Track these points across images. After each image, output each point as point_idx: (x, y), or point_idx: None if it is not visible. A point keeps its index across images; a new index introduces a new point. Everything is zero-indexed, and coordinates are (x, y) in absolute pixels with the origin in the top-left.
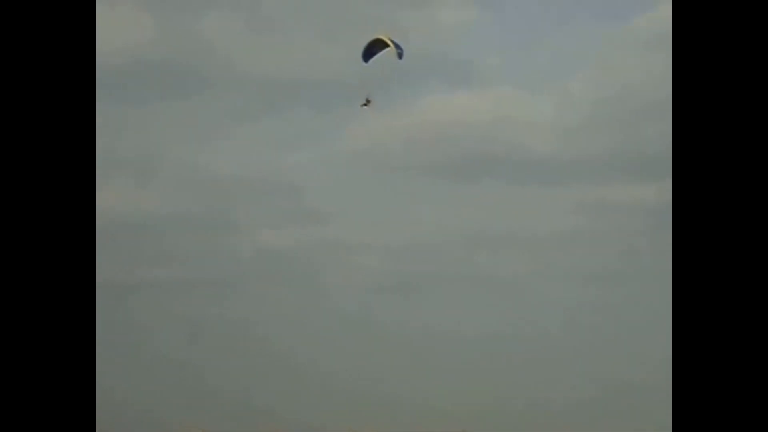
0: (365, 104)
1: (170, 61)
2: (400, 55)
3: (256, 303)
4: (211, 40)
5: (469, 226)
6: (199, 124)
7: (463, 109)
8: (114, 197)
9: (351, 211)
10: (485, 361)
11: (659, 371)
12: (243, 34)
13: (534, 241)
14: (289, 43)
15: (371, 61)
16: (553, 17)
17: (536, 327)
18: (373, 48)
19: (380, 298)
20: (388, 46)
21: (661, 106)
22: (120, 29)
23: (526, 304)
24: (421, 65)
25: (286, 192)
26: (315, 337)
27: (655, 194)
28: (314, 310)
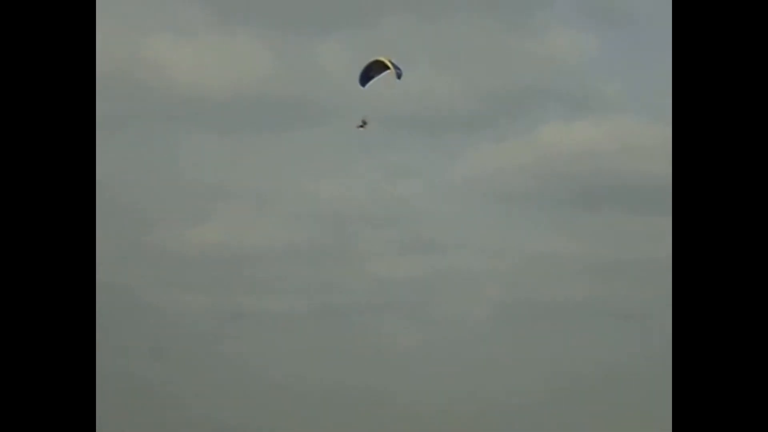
0: (361, 126)
1: (287, 92)
2: (399, 76)
3: (373, 333)
4: (328, 70)
5: (589, 255)
6: (316, 154)
7: (582, 137)
8: (232, 227)
9: (467, 240)
10: (627, 390)
11: None
12: (359, 62)
13: (655, 269)
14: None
15: (368, 85)
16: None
17: (666, 357)
18: (370, 71)
19: (500, 328)
20: (387, 68)
21: None
22: (239, 62)
23: (652, 333)
24: (538, 93)
25: (403, 222)
26: (434, 367)
27: None
28: (431, 341)
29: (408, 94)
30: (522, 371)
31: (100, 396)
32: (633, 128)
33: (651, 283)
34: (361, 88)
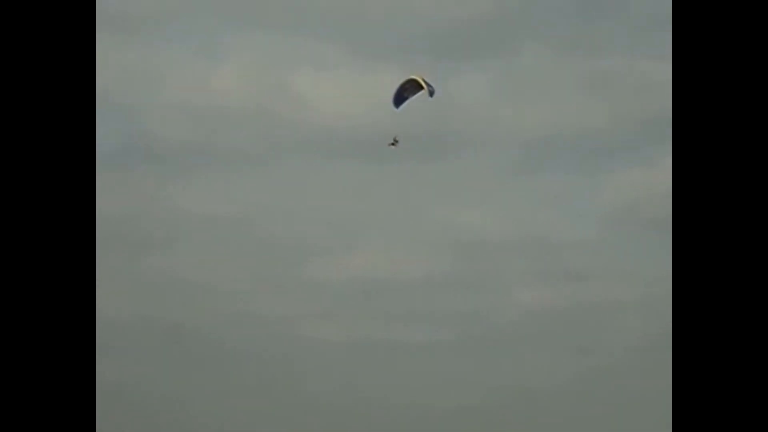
0: (393, 144)
1: (427, 123)
2: (431, 93)
3: (518, 364)
4: (467, 100)
5: None
6: (456, 184)
7: None
8: (375, 258)
9: (613, 268)
10: None
11: None
12: (498, 91)
13: None
14: (545, 98)
15: (402, 107)
16: None
17: None
18: (404, 92)
19: (645, 358)
20: (421, 87)
21: None
22: (378, 94)
23: None
24: None
25: (546, 250)
26: (585, 397)
27: None
28: (579, 370)
29: (549, 120)
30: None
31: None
32: None
33: None
34: (395, 110)
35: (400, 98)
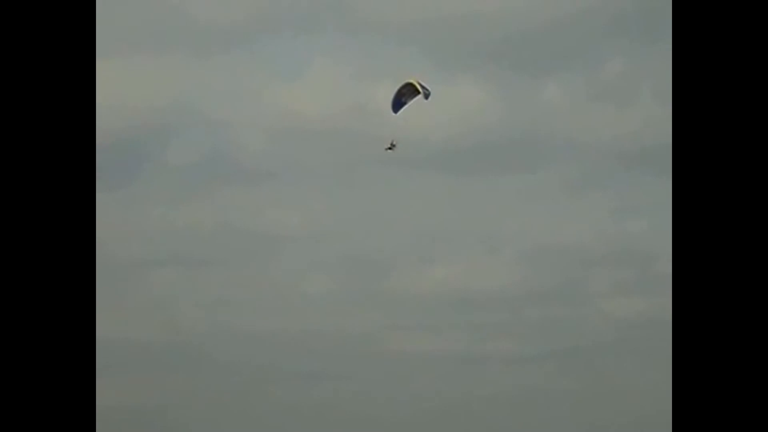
0: (390, 148)
1: (510, 134)
2: (426, 96)
3: (611, 374)
4: (551, 112)
5: None
6: (541, 195)
7: None
8: (460, 270)
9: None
10: None
11: None
12: (582, 102)
13: None
14: (622, 109)
15: (400, 111)
16: None
17: None
18: (402, 97)
19: None
20: (418, 92)
21: None
22: (460, 106)
23: None
24: None
25: (632, 260)
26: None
27: None
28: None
29: (631, 129)
30: None
31: None
32: None
33: None
34: (394, 114)
35: (398, 103)
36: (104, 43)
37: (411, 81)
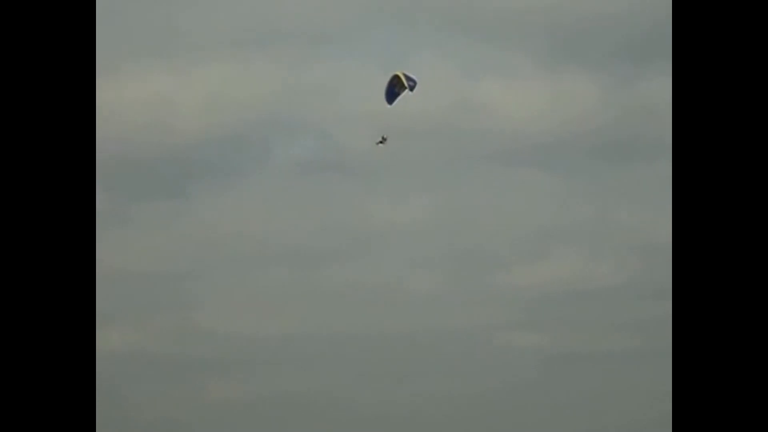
0: (381, 142)
1: (617, 129)
2: (411, 88)
3: None
4: (656, 105)
5: None
6: (647, 190)
7: None
8: (567, 266)
9: None
10: None
11: None
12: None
13: None
14: None
15: (395, 102)
16: None
17: None
18: (395, 88)
19: None
20: (404, 86)
21: None
22: (567, 101)
23: None
24: None
25: None
26: None
27: None
28: None
29: None
30: None
31: None
32: None
33: None
34: (388, 105)
35: (392, 94)
36: (212, 42)
37: (397, 73)
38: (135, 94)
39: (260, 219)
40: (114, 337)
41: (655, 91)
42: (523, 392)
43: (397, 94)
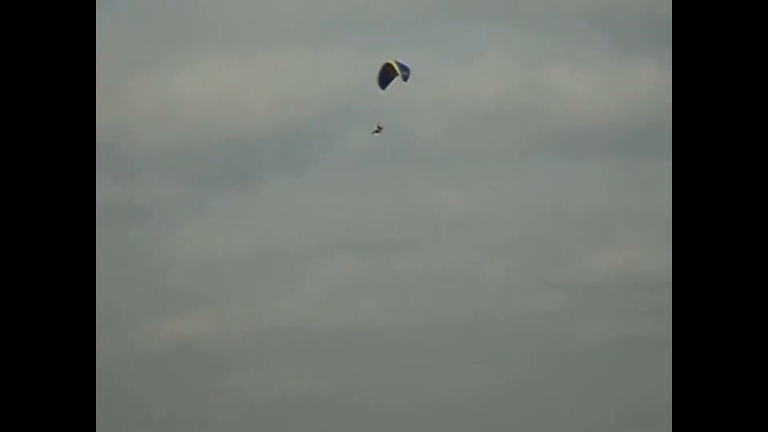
0: (377, 131)
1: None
2: (405, 78)
3: None
4: None
5: None
6: None
7: None
8: (636, 253)
9: None
10: None
11: None
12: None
13: None
14: None
15: (387, 88)
16: None
17: None
18: (387, 74)
19: None
20: (397, 73)
21: None
22: (636, 88)
23: None
24: None
25: None
26: None
27: None
28: None
29: None
30: None
31: None
32: None
33: None
34: (381, 91)
35: (385, 80)
36: (283, 34)
37: (389, 61)
38: (209, 87)
39: (332, 208)
40: (190, 325)
41: None
42: (588, 379)
43: (390, 80)
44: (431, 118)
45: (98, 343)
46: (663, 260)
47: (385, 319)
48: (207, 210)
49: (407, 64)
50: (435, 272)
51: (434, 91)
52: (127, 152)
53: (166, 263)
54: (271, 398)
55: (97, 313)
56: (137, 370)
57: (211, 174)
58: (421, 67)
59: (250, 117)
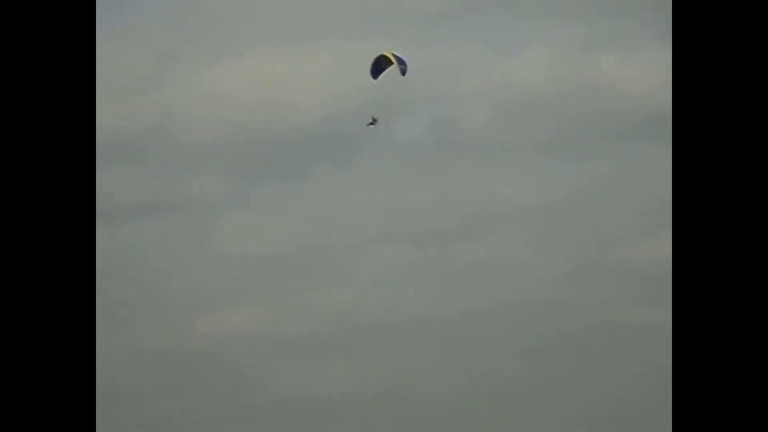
0: (371, 123)
1: None
2: (403, 71)
3: None
4: None
5: None
6: None
7: None
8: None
9: None
10: None
11: None
12: None
13: None
14: None
15: (380, 77)
16: None
17: None
18: (380, 64)
19: None
20: (392, 62)
21: None
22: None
23: None
24: None
25: None
26: None
27: None
28: None
29: None
30: None
31: None
32: None
33: None
34: (373, 80)
35: (378, 70)
36: (330, 23)
37: (385, 53)
38: (255, 77)
39: (382, 198)
40: (238, 319)
41: None
42: (641, 367)
43: (383, 70)
44: (479, 107)
45: (156, 336)
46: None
47: (434, 309)
48: (253, 203)
49: (404, 58)
50: (486, 262)
51: (482, 81)
52: (172, 146)
53: (213, 257)
54: (320, 389)
55: (151, 307)
56: (198, 361)
57: (257, 167)
58: (468, 57)
59: (295, 109)
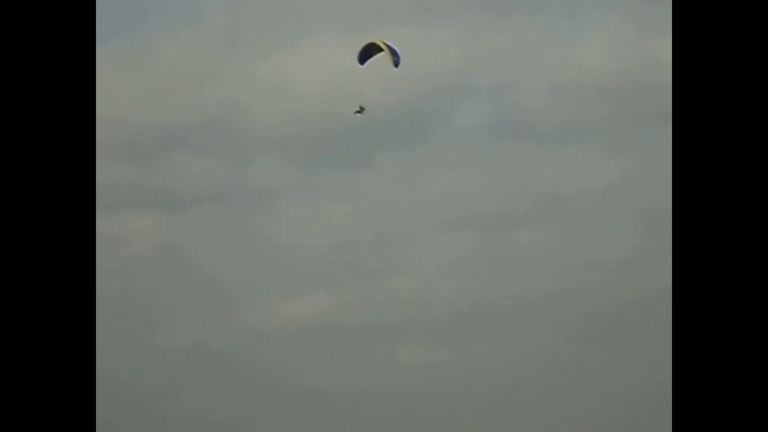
0: (359, 111)
1: None
2: (396, 63)
3: None
4: None
5: None
6: None
7: None
8: None
9: None
10: None
11: None
12: None
13: None
14: None
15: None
16: None
17: None
18: (368, 51)
19: None
20: (381, 50)
21: None
22: None
23: None
24: None
25: None
26: None
27: None
28: None
29: None
30: None
31: None
32: None
33: None
34: (360, 66)
35: (365, 55)
36: (392, 10)
37: (375, 41)
38: (318, 65)
39: (446, 185)
40: (305, 307)
41: None
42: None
43: (370, 56)
44: (542, 92)
45: (222, 325)
46: None
47: (501, 294)
48: (317, 191)
49: (397, 50)
50: (550, 249)
51: (546, 66)
52: (242, 134)
53: (284, 244)
54: (392, 372)
55: (219, 295)
56: (266, 349)
57: (320, 155)
58: (534, 41)
59: (359, 95)
